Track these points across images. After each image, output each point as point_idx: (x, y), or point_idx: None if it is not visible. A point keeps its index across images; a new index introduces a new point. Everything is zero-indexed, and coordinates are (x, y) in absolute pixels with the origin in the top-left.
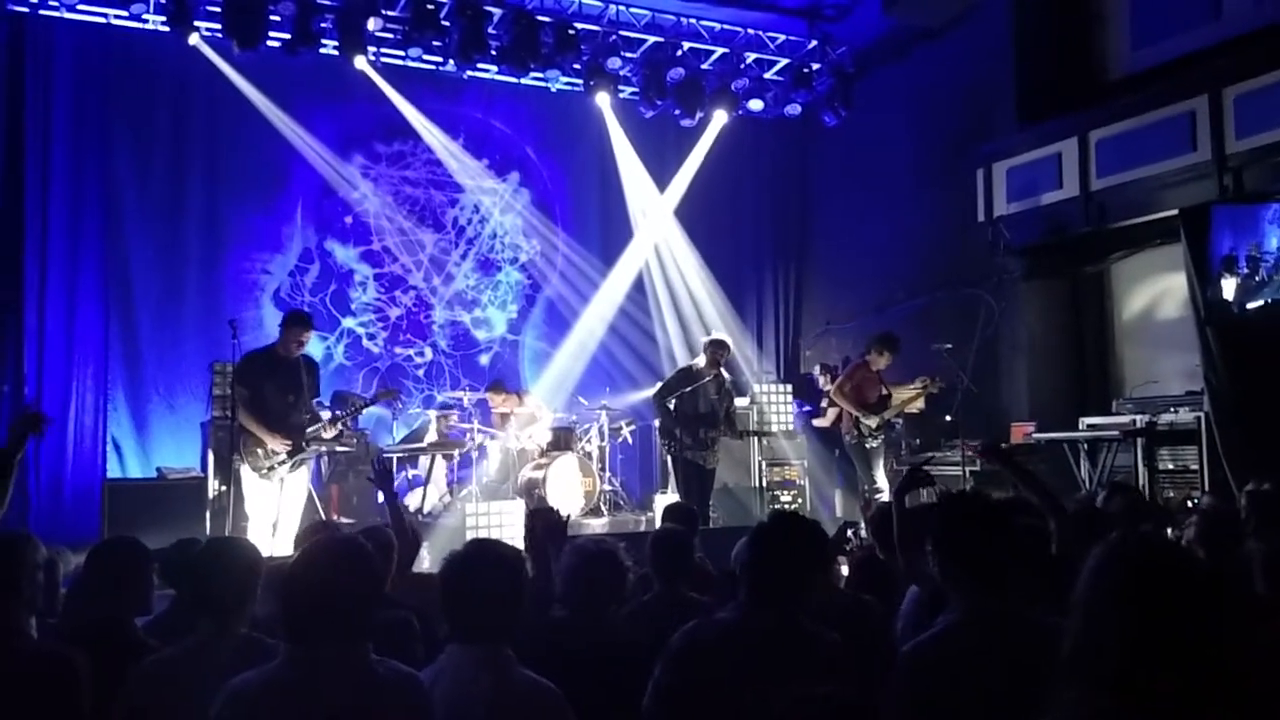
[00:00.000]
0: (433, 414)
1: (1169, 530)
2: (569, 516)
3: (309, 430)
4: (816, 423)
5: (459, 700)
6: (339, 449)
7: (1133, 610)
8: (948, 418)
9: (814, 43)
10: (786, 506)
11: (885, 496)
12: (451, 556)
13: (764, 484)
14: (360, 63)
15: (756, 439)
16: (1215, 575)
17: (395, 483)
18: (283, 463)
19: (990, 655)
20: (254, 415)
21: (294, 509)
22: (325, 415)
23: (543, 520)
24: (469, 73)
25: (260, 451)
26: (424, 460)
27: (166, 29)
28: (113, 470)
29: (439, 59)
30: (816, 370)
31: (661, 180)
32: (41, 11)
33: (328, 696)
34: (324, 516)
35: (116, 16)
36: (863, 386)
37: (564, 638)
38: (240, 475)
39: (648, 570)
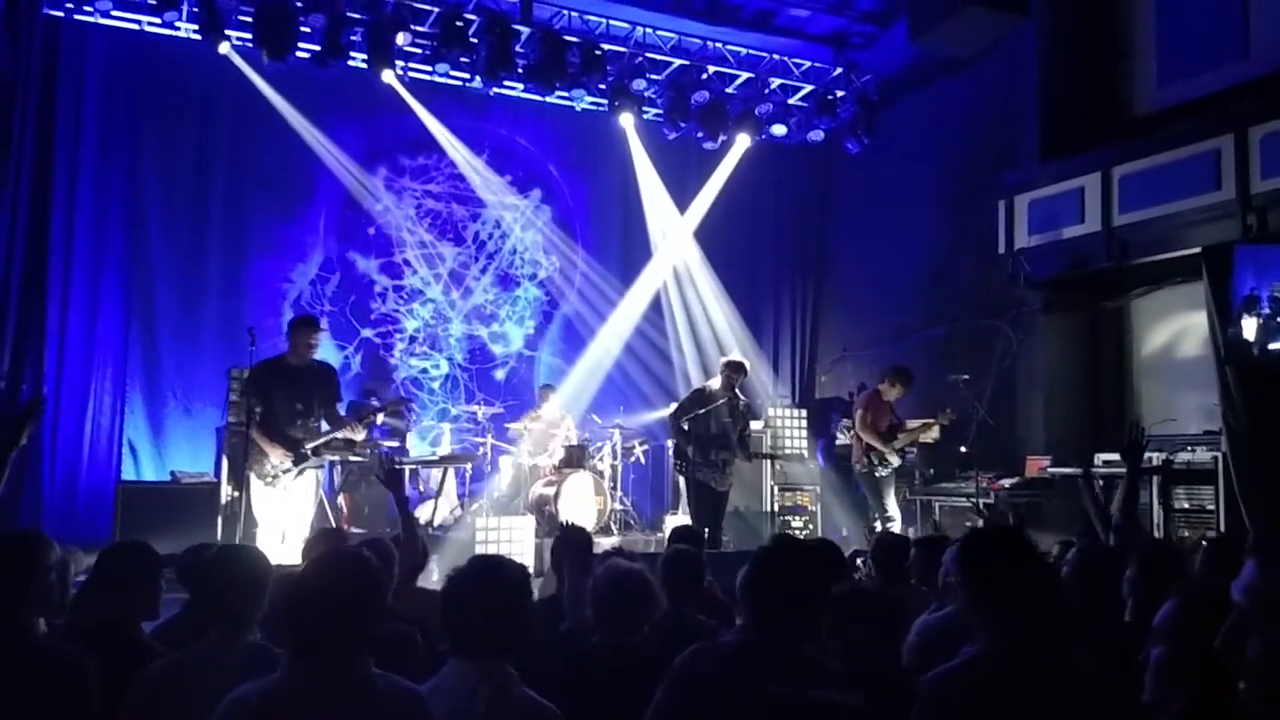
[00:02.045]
0: (446, 426)
1: None
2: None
3: (324, 437)
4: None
5: (456, 715)
6: (352, 458)
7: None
8: (962, 449)
9: (839, 70)
10: (797, 532)
11: (896, 525)
12: (455, 571)
13: (775, 508)
14: (388, 77)
15: (769, 463)
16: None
17: (406, 490)
18: (287, 471)
19: (1015, 688)
20: (259, 427)
21: (301, 516)
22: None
23: (572, 539)
24: (495, 90)
25: (265, 461)
26: (435, 472)
27: (198, 37)
28: (127, 472)
29: (466, 75)
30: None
31: (682, 202)
32: (76, 16)
33: (327, 709)
34: (333, 525)
35: (149, 23)
36: (876, 416)
37: (601, 662)
38: (250, 482)
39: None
